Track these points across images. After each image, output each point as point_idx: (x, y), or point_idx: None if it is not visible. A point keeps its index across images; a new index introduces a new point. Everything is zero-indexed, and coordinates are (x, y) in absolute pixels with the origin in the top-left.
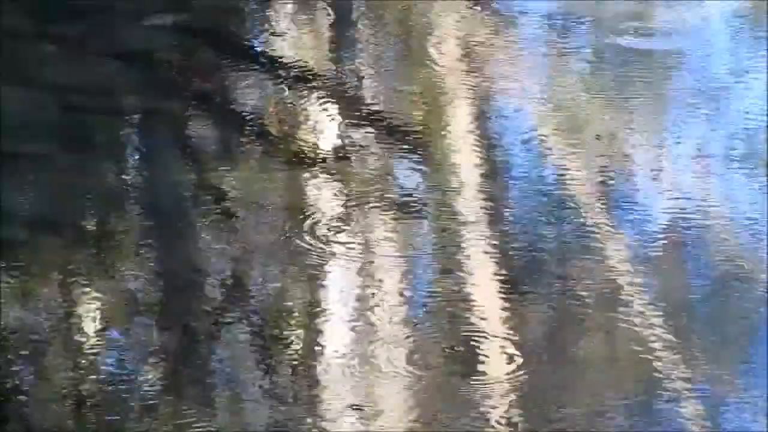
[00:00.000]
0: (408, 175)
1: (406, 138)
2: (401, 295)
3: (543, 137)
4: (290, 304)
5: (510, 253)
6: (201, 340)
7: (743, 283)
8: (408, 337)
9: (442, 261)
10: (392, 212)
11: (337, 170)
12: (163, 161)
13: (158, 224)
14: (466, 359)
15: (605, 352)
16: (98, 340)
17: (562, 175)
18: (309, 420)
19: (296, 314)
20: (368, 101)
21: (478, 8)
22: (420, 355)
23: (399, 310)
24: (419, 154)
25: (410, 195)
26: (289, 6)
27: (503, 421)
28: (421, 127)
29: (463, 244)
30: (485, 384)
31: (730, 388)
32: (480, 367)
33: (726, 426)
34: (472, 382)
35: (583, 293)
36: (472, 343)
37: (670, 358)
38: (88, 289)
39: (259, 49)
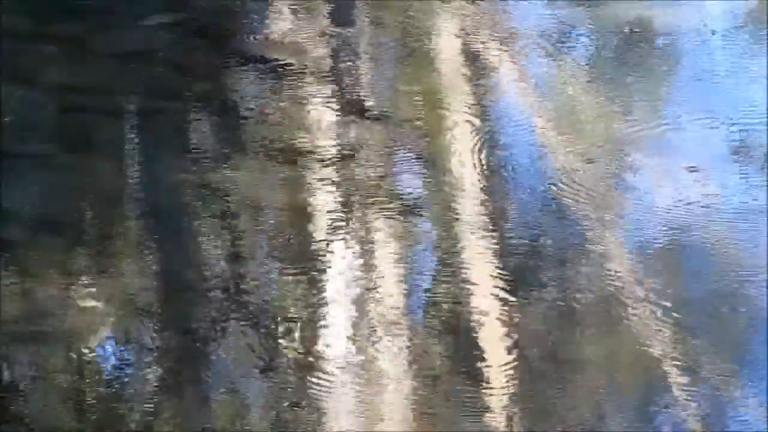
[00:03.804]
0: (408, 175)
1: (407, 138)
2: (401, 294)
3: (543, 136)
4: (290, 304)
5: (510, 253)
6: (201, 340)
7: (743, 283)
8: (408, 336)
9: (442, 261)
10: (392, 212)
11: (337, 170)
12: (163, 161)
13: (158, 224)
14: (466, 359)
15: (605, 352)
16: (98, 341)
17: (562, 174)
18: (309, 420)
19: (296, 314)
20: (368, 101)
21: (478, 8)
22: (420, 354)
23: (399, 309)
24: (419, 154)
25: (410, 195)
26: (289, 6)
27: (503, 421)
28: (421, 127)
29: (463, 244)
30: (485, 384)
31: (730, 388)
32: (480, 367)
33: (726, 426)
34: (472, 382)
35: (583, 293)
36: (472, 343)
37: (670, 358)
38: (88, 289)
39: (258, 48)
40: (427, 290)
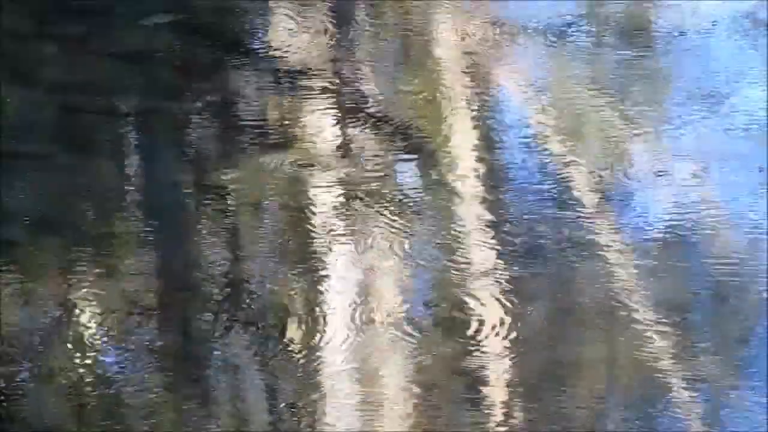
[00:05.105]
0: (408, 175)
1: (406, 138)
2: (401, 295)
3: (543, 137)
4: (290, 304)
5: (510, 252)
6: (201, 340)
7: (743, 283)
8: (408, 337)
9: (441, 261)
10: (392, 212)
11: (337, 170)
12: (163, 161)
13: (158, 224)
14: (466, 359)
15: (605, 352)
16: (98, 341)
17: (562, 175)
18: (309, 420)
19: (296, 314)
20: (368, 101)
21: (479, 7)
22: (420, 355)
23: (399, 310)
24: (419, 154)
25: (410, 195)
26: (289, 6)
27: (503, 421)
28: (421, 127)
29: (463, 244)
30: (485, 384)
31: (730, 388)
32: (480, 367)
33: (726, 426)
34: (472, 382)
35: (583, 293)
36: (472, 343)
37: (670, 358)
38: (88, 289)
39: (259, 49)
40: (427, 290)
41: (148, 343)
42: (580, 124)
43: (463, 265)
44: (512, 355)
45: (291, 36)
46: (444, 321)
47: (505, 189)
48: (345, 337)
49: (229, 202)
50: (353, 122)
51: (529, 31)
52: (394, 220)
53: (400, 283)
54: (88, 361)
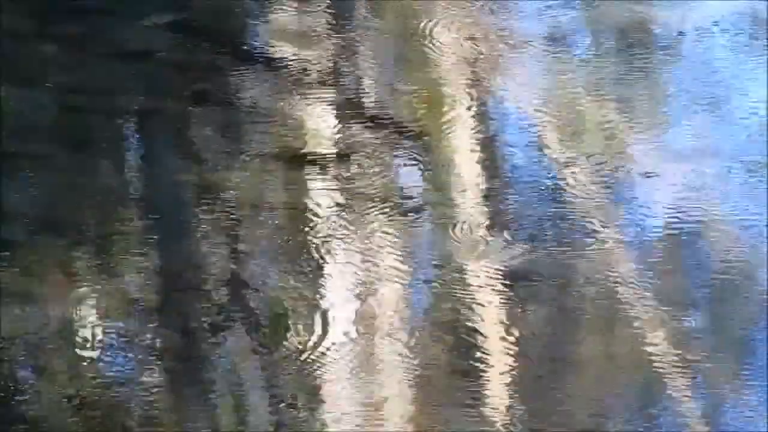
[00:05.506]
0: (408, 175)
1: (406, 138)
2: (401, 294)
3: (543, 137)
4: (290, 304)
5: (510, 252)
6: (201, 340)
7: (743, 282)
8: (408, 337)
9: (442, 261)
10: (392, 212)
11: (337, 170)
12: (163, 161)
13: (158, 224)
14: (466, 359)
15: (605, 352)
16: (98, 341)
17: (562, 175)
18: (309, 420)
19: (296, 314)
20: (368, 101)
21: (479, 8)
22: (420, 355)
23: (399, 310)
24: (419, 155)
25: (410, 195)
26: (289, 6)
27: (503, 421)
28: (421, 127)
29: (463, 244)
30: (485, 384)
31: (730, 388)
32: (480, 367)
33: (726, 426)
34: (472, 382)
35: (583, 293)
36: (472, 343)
37: (670, 358)
38: (88, 289)
39: (259, 49)
40: (427, 290)
41: (148, 343)
42: (580, 124)
43: (463, 265)
44: (512, 354)
45: (291, 36)
46: (444, 321)
47: (506, 188)
48: (345, 337)
49: (229, 202)
50: (353, 122)
51: (530, 30)
52: (394, 220)
53: (399, 283)
54: (88, 362)
